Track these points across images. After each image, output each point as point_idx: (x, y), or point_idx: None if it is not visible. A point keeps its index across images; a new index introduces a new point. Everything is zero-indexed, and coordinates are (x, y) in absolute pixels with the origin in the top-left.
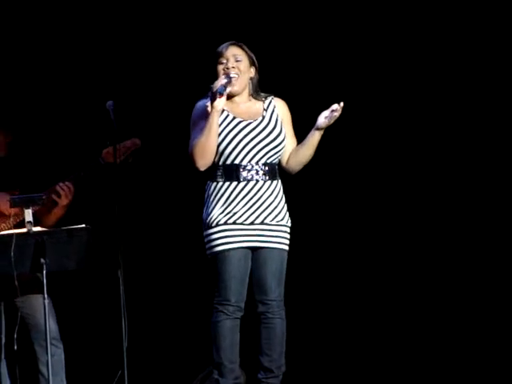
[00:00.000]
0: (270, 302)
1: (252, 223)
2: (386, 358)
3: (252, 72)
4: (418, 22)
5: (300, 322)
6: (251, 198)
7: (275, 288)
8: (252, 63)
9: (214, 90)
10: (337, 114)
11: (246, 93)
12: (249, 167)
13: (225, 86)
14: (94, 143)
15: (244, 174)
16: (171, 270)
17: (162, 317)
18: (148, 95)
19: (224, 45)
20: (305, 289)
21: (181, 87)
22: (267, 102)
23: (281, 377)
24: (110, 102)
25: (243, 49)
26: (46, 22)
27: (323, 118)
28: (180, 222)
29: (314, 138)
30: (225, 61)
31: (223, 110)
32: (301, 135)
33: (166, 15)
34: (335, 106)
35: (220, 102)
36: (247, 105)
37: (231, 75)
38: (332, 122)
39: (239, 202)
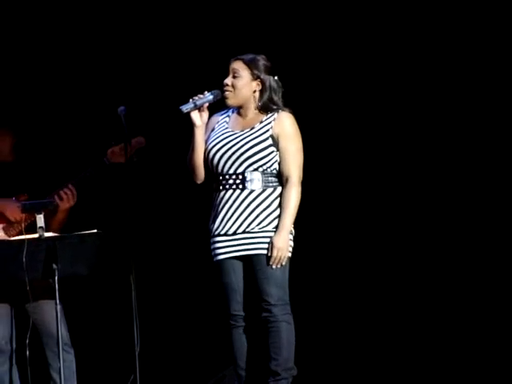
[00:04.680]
0: (269, 307)
1: (235, 233)
2: (394, 362)
3: (256, 86)
4: (419, 25)
5: (310, 327)
6: (230, 207)
7: (273, 292)
8: (255, 78)
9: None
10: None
11: (248, 106)
12: (227, 176)
13: (195, 104)
14: (100, 143)
15: (223, 182)
16: (183, 275)
17: (173, 322)
18: (158, 98)
19: (232, 58)
20: (313, 293)
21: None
22: (268, 115)
23: (290, 379)
24: (121, 108)
25: (246, 64)
26: (55, 24)
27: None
28: (192, 226)
29: None
30: (228, 74)
31: (224, 122)
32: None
33: (178, 22)
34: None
35: (197, 118)
36: (248, 117)
37: (224, 91)
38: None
39: (219, 212)
